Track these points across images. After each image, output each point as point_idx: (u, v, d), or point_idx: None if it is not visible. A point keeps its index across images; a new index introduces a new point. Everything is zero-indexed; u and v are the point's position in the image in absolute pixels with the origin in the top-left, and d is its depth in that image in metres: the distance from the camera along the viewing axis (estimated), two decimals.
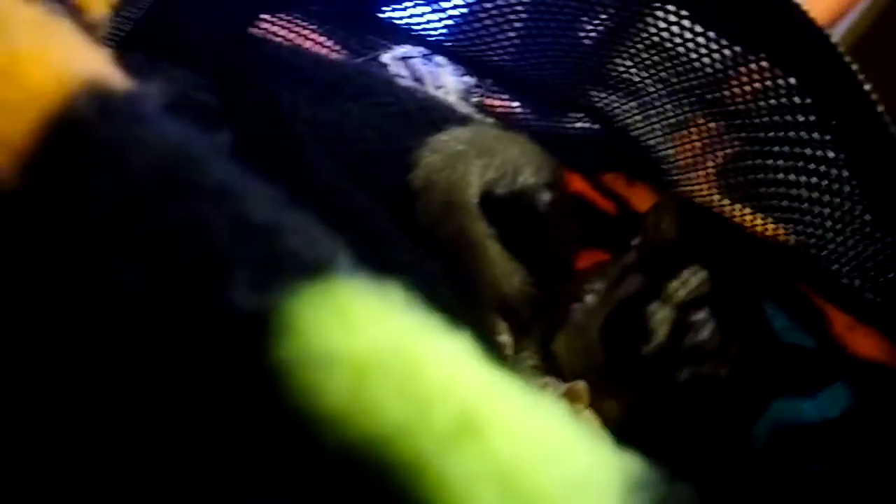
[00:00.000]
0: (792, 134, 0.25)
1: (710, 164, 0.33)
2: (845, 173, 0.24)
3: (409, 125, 0.33)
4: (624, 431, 0.29)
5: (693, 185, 0.34)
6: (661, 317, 0.30)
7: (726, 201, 0.34)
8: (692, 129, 0.32)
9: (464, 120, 0.35)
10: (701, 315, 0.31)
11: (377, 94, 0.33)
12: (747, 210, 0.32)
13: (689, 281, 0.32)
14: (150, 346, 0.10)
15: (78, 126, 0.11)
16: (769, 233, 0.32)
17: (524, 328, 0.34)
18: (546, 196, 0.37)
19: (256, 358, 0.10)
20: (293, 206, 0.12)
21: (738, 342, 0.31)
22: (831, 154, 0.24)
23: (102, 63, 0.13)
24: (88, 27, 0.21)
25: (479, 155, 0.34)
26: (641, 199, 0.40)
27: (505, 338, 0.34)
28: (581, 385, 0.30)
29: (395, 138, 0.32)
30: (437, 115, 0.34)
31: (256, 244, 0.11)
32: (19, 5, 0.15)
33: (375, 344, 0.11)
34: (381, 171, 0.31)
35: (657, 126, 0.32)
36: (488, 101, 0.37)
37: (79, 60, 0.13)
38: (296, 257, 0.11)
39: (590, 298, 0.33)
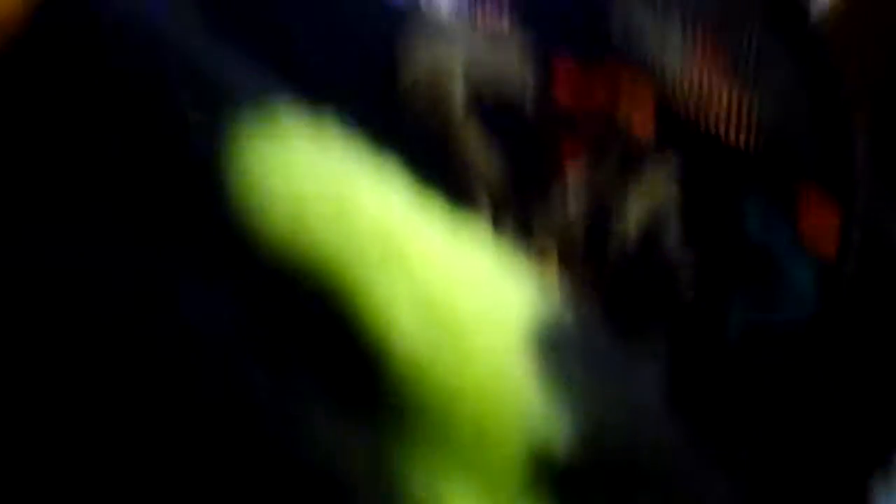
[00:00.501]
0: None
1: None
2: None
3: (398, 24, 0.34)
4: None
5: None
6: (633, 216, 0.31)
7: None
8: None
9: (450, 31, 0.36)
10: (671, 220, 0.31)
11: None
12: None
13: (659, 175, 0.33)
14: (122, 176, 0.12)
15: None
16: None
17: (503, 203, 0.36)
18: (532, 103, 0.38)
19: (207, 185, 0.12)
20: (238, 50, 0.13)
21: (705, 249, 0.31)
22: None
23: None
24: None
25: (467, 56, 0.34)
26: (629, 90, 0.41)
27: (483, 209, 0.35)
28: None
29: (385, 38, 0.33)
30: (426, 13, 0.35)
31: (206, 87, 0.12)
32: None
33: (311, 181, 0.12)
34: (369, 71, 0.32)
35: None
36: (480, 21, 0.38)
37: None
38: (238, 93, 0.12)
39: (571, 198, 0.35)
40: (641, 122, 0.41)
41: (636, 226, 0.32)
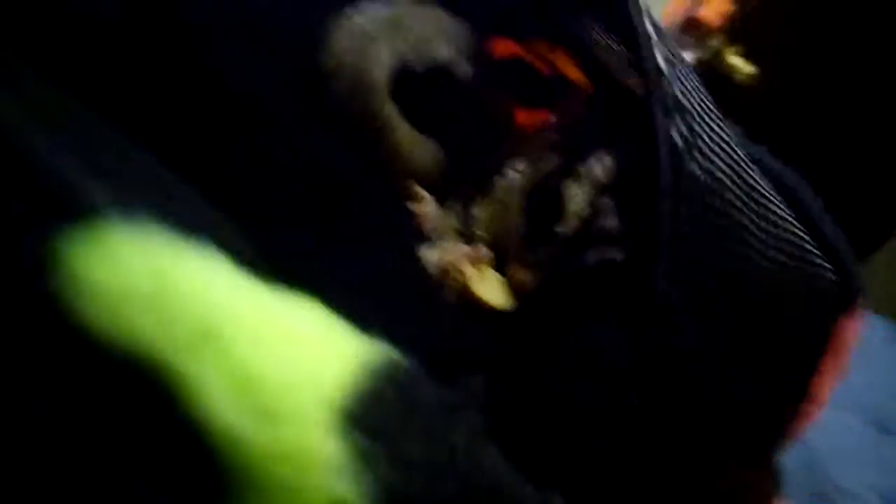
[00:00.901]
0: None
1: None
2: None
3: (323, 4, 0.34)
4: (536, 302, 0.32)
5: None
6: (577, 197, 0.31)
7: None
8: None
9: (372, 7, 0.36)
10: (606, 200, 0.32)
11: None
12: None
13: (603, 160, 0.33)
14: None
15: None
16: None
17: (442, 197, 0.37)
18: (465, 69, 0.38)
19: (35, 287, 0.13)
20: (72, 154, 0.14)
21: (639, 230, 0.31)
22: None
23: None
24: None
25: (390, 33, 0.35)
26: (564, 65, 0.41)
27: (426, 207, 0.36)
28: (482, 249, 0.33)
29: (305, 18, 0.34)
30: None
31: (29, 198, 0.14)
32: None
33: (129, 274, 0.14)
34: (286, 50, 0.33)
35: None
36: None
37: None
38: (63, 207, 0.14)
39: (511, 174, 0.35)
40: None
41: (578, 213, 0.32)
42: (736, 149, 0.23)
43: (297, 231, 0.28)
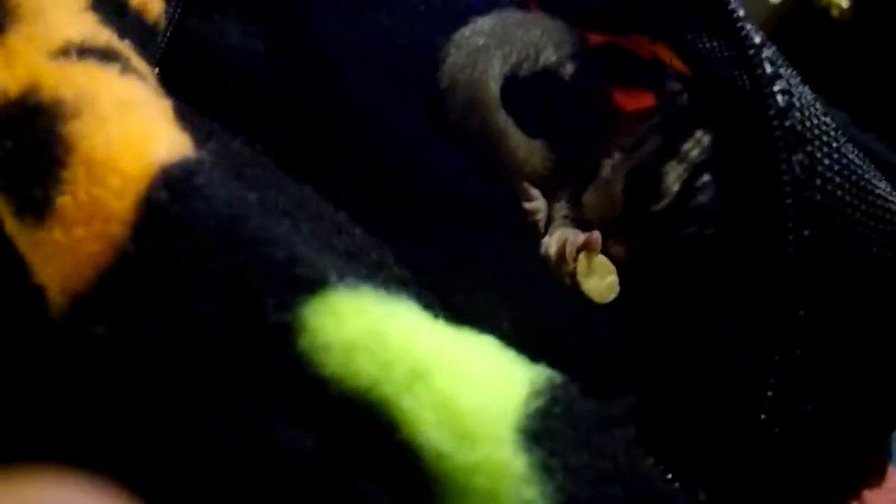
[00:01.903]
0: None
1: None
2: None
3: (436, 22, 0.37)
4: (630, 273, 0.34)
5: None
6: (673, 176, 0.33)
7: None
8: None
9: (488, 7, 0.38)
10: (705, 178, 0.33)
11: None
12: None
13: (701, 141, 0.35)
14: (222, 350, 0.17)
15: (158, 206, 0.18)
16: None
17: (554, 193, 0.40)
18: (570, 68, 0.40)
19: (286, 348, 0.17)
20: (304, 240, 0.18)
21: (739, 205, 0.32)
22: None
23: (171, 137, 0.19)
24: (148, 27, 0.27)
25: (500, 45, 0.37)
26: (665, 53, 0.42)
27: (536, 203, 0.39)
28: (596, 235, 0.35)
29: (423, 38, 0.36)
30: (461, 7, 0.38)
31: (279, 279, 0.17)
32: (105, 80, 0.21)
33: (354, 330, 0.17)
34: (414, 75, 0.36)
35: None
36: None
37: (156, 142, 0.19)
38: (304, 280, 0.17)
39: (617, 155, 0.38)
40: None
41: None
42: (849, 151, 0.24)
43: (436, 249, 0.31)
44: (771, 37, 0.26)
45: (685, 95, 0.37)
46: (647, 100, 0.44)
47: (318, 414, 0.17)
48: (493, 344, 0.19)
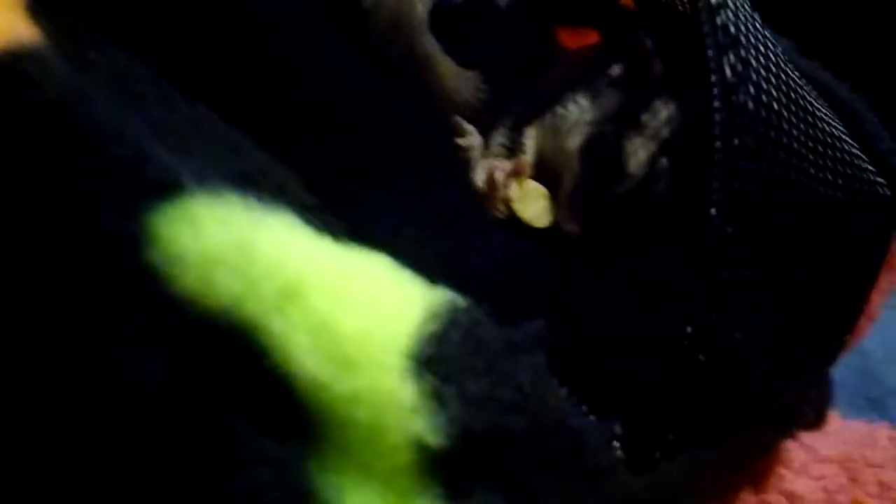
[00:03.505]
0: None
1: None
2: None
3: None
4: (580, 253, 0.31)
5: None
6: (642, 155, 0.30)
7: None
8: None
9: None
10: (664, 160, 0.30)
11: None
12: None
13: (660, 113, 0.31)
14: (54, 263, 0.14)
15: None
16: None
17: (486, 126, 0.37)
18: None
19: (131, 261, 0.15)
20: (153, 137, 0.15)
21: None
22: None
23: (6, 22, 0.16)
24: None
25: None
26: None
27: (471, 140, 0.37)
28: (524, 159, 0.33)
29: None
30: None
31: (121, 180, 0.15)
32: None
33: (215, 242, 0.15)
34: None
35: None
36: None
37: None
38: (153, 183, 0.15)
39: (572, 108, 0.34)
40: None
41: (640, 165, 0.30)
42: (789, 72, 0.22)
43: (355, 175, 0.29)
44: None
45: (657, 60, 0.32)
46: (591, 37, 0.41)
47: (170, 336, 0.15)
48: (385, 262, 0.17)
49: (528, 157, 0.36)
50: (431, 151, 0.33)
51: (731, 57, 0.19)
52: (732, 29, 0.19)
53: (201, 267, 0.15)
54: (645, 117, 0.30)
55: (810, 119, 0.24)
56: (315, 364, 0.15)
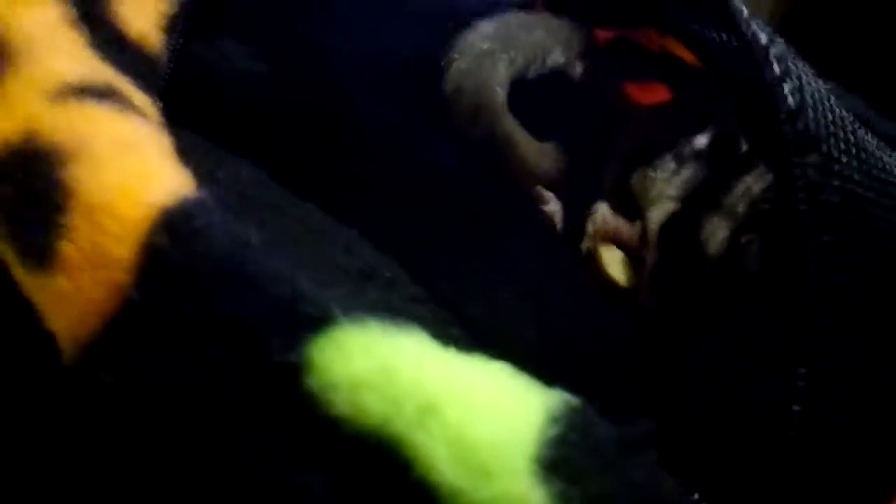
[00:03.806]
0: None
1: None
2: None
3: (439, 29, 0.37)
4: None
5: None
6: (720, 236, 0.29)
7: None
8: None
9: (490, 10, 0.38)
10: (750, 237, 0.29)
11: (406, 3, 0.36)
12: None
13: (752, 188, 0.30)
14: (230, 394, 0.17)
15: (159, 251, 0.18)
16: None
17: (565, 192, 0.39)
18: (579, 67, 0.39)
19: (294, 388, 0.17)
20: (308, 275, 0.18)
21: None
22: None
23: (170, 179, 0.19)
24: (149, 59, 0.27)
25: (505, 48, 0.36)
26: (676, 47, 0.41)
27: (552, 206, 0.39)
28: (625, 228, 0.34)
29: (427, 46, 0.36)
30: (464, 12, 0.37)
31: (283, 317, 0.17)
32: (103, 122, 0.20)
33: (362, 368, 0.17)
34: (419, 84, 0.35)
35: None
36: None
37: (155, 185, 0.19)
38: (308, 318, 0.17)
39: (660, 173, 0.33)
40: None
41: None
42: (871, 150, 0.23)
43: (449, 250, 0.31)
44: (782, 18, 0.24)
45: (741, 139, 0.31)
46: (661, 93, 0.43)
47: (330, 454, 0.17)
48: (505, 370, 0.19)
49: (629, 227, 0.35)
50: (519, 222, 0.35)
51: (814, 157, 0.20)
52: (812, 128, 0.20)
53: (351, 391, 0.17)
54: (726, 196, 0.30)
55: (892, 189, 0.25)
56: (454, 473, 0.17)
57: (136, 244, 0.18)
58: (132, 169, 0.19)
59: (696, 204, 0.30)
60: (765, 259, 0.27)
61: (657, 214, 0.31)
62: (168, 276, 0.17)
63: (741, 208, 0.29)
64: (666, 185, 0.32)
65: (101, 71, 0.23)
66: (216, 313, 0.17)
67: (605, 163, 0.38)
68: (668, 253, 0.30)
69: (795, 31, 0.28)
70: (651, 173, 0.34)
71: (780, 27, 0.27)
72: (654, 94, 0.44)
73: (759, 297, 0.27)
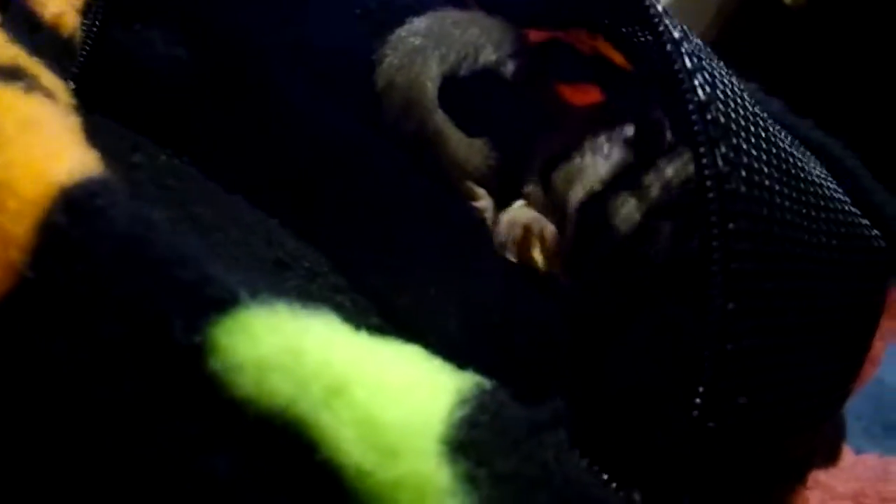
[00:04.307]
0: None
1: None
2: None
3: (371, 24, 0.36)
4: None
5: None
6: (629, 216, 0.31)
7: None
8: None
9: (423, 7, 0.38)
10: (661, 224, 0.30)
11: None
12: None
13: (670, 175, 0.31)
14: (130, 375, 0.16)
15: (57, 229, 0.17)
16: None
17: (496, 189, 0.39)
18: (511, 66, 0.40)
19: (197, 370, 0.17)
20: (218, 260, 0.17)
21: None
22: None
23: (75, 158, 0.18)
24: (63, 41, 0.26)
25: (437, 45, 0.36)
26: (607, 49, 0.42)
27: (484, 202, 0.39)
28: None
29: (358, 41, 0.36)
30: (397, 8, 0.37)
31: (186, 299, 0.17)
32: (8, 101, 0.20)
33: (268, 349, 0.17)
34: (350, 78, 0.35)
35: None
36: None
37: (58, 164, 0.18)
38: (213, 301, 0.17)
39: (588, 160, 0.34)
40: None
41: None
42: (779, 142, 0.24)
43: (378, 246, 0.31)
44: (723, 27, 0.25)
45: (667, 131, 0.33)
46: (593, 94, 0.44)
47: (234, 436, 0.17)
48: (417, 353, 0.19)
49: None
50: (449, 216, 0.35)
51: (723, 147, 0.20)
52: (723, 119, 0.21)
53: (257, 372, 0.17)
54: (647, 179, 0.32)
55: (803, 185, 0.26)
56: (360, 454, 0.17)
57: (35, 222, 0.17)
58: (35, 147, 0.19)
59: (616, 186, 0.31)
60: (675, 244, 0.28)
61: (579, 193, 0.32)
62: (65, 254, 0.17)
63: (655, 192, 0.30)
64: (594, 170, 0.33)
65: (8, 50, 0.23)
66: (115, 294, 0.17)
67: (536, 158, 0.39)
68: (583, 230, 0.31)
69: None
70: (578, 160, 0.35)
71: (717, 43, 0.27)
72: (586, 95, 0.45)
73: (670, 280, 0.28)
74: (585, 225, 0.32)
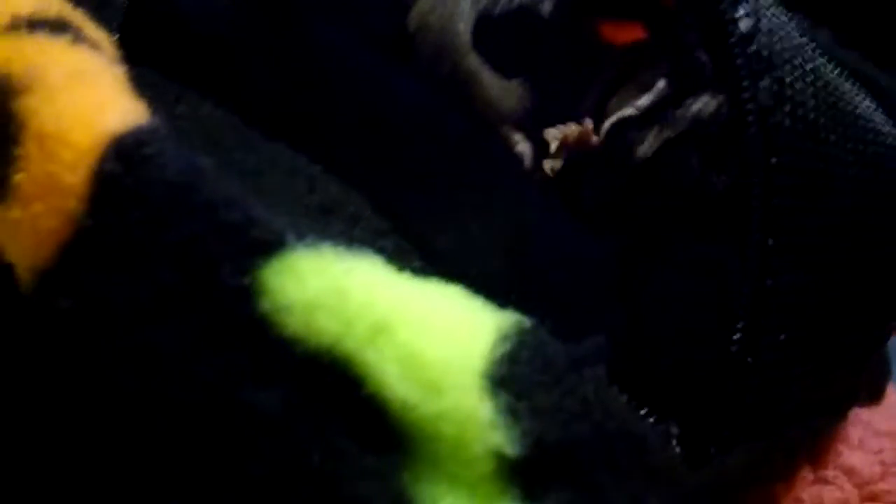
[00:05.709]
0: None
1: None
2: None
3: None
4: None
5: None
6: (648, 141, 0.31)
7: None
8: None
9: None
10: (684, 153, 0.30)
11: None
12: None
13: (702, 108, 0.31)
14: (185, 317, 0.17)
15: (111, 177, 0.18)
16: None
17: (534, 131, 0.39)
18: (548, 4, 0.39)
19: (247, 311, 0.17)
20: (256, 201, 0.18)
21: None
22: None
23: (123, 107, 0.19)
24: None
25: None
26: None
27: (521, 147, 0.39)
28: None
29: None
30: None
31: (235, 241, 0.17)
32: (56, 53, 0.20)
33: (315, 289, 0.18)
34: (382, 21, 0.35)
35: None
36: None
37: (107, 113, 0.19)
38: (261, 243, 0.18)
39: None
40: None
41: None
42: (829, 79, 0.23)
43: (422, 190, 0.31)
44: None
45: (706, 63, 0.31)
46: (636, 31, 0.42)
47: (284, 374, 0.17)
48: (459, 293, 0.19)
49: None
50: (490, 153, 0.35)
51: (767, 81, 0.20)
52: (766, 52, 0.21)
53: (304, 312, 0.17)
54: (678, 113, 0.31)
55: (849, 118, 0.25)
56: (404, 389, 0.18)
57: (89, 171, 0.18)
58: (85, 98, 0.19)
59: (649, 113, 0.31)
60: (703, 177, 0.28)
61: (613, 116, 0.32)
62: (120, 201, 0.18)
63: (683, 124, 0.30)
64: (637, 98, 0.33)
65: (52, 3, 0.23)
66: (168, 238, 0.17)
67: (579, 100, 0.38)
68: (608, 151, 0.31)
69: None
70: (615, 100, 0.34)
71: None
72: (629, 33, 0.44)
73: (695, 215, 0.28)
74: (611, 147, 0.32)
